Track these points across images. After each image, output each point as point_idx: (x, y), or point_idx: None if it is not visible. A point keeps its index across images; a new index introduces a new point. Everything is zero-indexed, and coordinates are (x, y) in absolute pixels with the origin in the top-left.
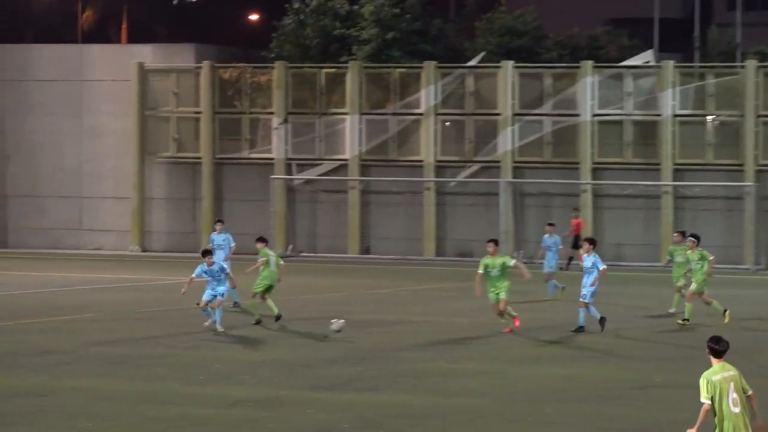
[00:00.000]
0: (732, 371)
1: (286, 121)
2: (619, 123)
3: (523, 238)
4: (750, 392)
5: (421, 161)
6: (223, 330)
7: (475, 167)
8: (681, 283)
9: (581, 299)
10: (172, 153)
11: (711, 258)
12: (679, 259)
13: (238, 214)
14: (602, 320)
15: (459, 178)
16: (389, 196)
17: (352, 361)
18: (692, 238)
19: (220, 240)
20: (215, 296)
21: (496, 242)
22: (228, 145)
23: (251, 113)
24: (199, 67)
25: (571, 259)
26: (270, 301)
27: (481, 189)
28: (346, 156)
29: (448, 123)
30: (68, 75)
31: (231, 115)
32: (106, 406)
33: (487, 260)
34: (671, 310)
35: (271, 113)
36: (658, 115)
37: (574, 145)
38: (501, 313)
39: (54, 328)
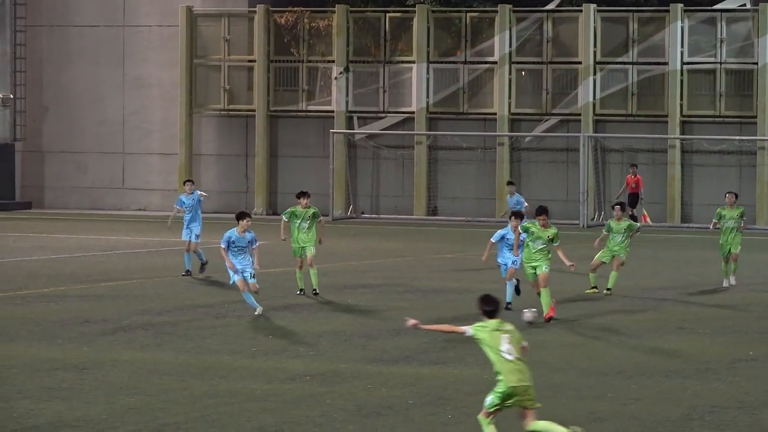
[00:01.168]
0: (510, 327)
1: (347, 70)
2: (712, 72)
3: (605, 197)
4: (525, 344)
5: (493, 114)
6: (260, 312)
7: (553, 121)
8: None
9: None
10: (222, 105)
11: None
12: (729, 223)
13: (294, 171)
14: (517, 289)
15: (535, 133)
16: (459, 152)
17: (417, 333)
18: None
19: (191, 202)
20: (245, 277)
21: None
22: (283, 97)
23: (309, 62)
24: (253, 12)
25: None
26: (300, 273)
27: (560, 144)
28: (412, 108)
29: (524, 72)
30: (111, 20)
31: (287, 64)
32: (151, 381)
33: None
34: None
35: (331, 62)
36: (755, 64)
37: (661, 97)
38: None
39: (95, 296)
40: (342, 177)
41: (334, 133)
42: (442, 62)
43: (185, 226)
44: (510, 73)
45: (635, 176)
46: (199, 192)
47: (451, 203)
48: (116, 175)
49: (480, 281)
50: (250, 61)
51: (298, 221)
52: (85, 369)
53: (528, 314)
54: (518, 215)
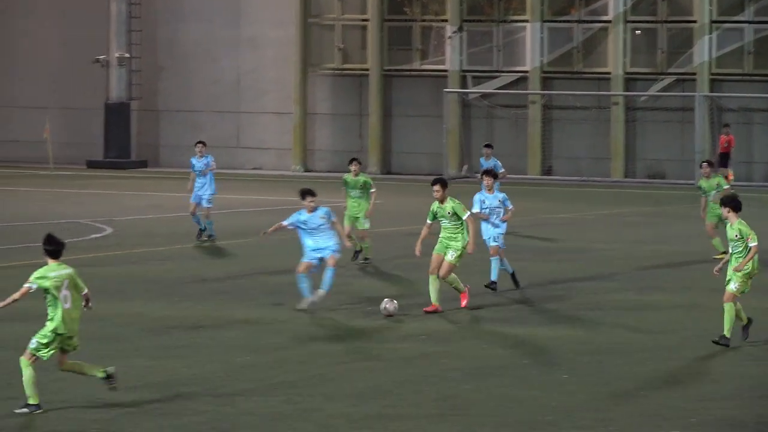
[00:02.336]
0: (68, 270)
1: (460, 29)
2: None
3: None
4: (85, 290)
5: (608, 73)
6: (315, 299)
7: (668, 80)
8: None
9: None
10: (336, 64)
11: None
12: None
13: (407, 131)
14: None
15: (650, 92)
16: (573, 111)
17: (530, 293)
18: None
19: (202, 165)
20: (322, 257)
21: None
22: (397, 56)
23: (423, 21)
24: None
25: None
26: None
27: (675, 104)
28: (526, 68)
29: (639, 31)
30: None
31: (401, 23)
32: (266, 339)
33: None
34: None
35: (445, 21)
36: None
37: None
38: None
39: (211, 254)
40: (455, 137)
41: (447, 92)
42: (556, 21)
43: (195, 191)
44: (624, 32)
45: (728, 135)
46: (212, 159)
47: (565, 163)
48: (231, 134)
49: (594, 241)
50: (363, 20)
51: (350, 189)
52: (200, 327)
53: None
54: (490, 173)
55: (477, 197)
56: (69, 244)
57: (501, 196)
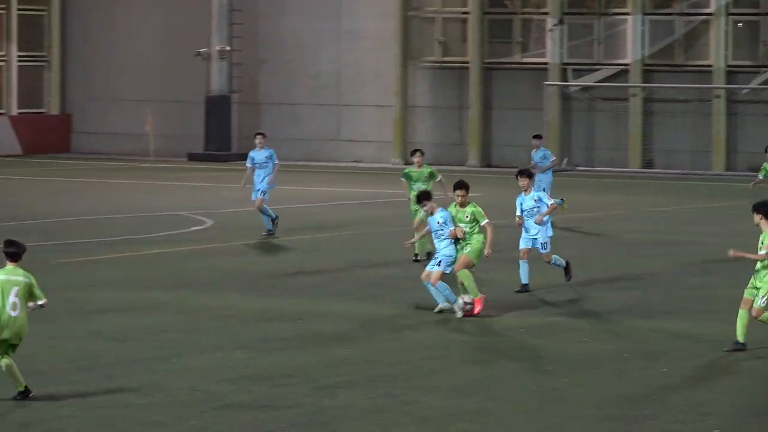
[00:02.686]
0: (20, 277)
1: (561, 22)
2: None
3: None
4: (43, 301)
5: (710, 66)
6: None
7: None
8: None
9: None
10: (437, 57)
11: None
12: None
13: (507, 123)
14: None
15: (752, 85)
16: (674, 104)
17: (631, 285)
18: None
19: (262, 158)
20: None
21: None
22: (498, 49)
23: (523, 13)
24: None
25: None
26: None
27: None
28: (627, 60)
29: (741, 24)
30: None
31: (501, 16)
32: (364, 332)
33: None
34: None
35: (545, 13)
36: None
37: None
38: None
39: (311, 247)
40: (556, 129)
41: (548, 85)
42: (657, 13)
43: (255, 184)
44: (726, 25)
45: None
46: (275, 154)
47: (666, 156)
48: (331, 126)
49: (695, 234)
50: (464, 12)
51: (413, 183)
52: (299, 320)
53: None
54: (525, 174)
55: (517, 200)
56: (169, 236)
57: (536, 195)
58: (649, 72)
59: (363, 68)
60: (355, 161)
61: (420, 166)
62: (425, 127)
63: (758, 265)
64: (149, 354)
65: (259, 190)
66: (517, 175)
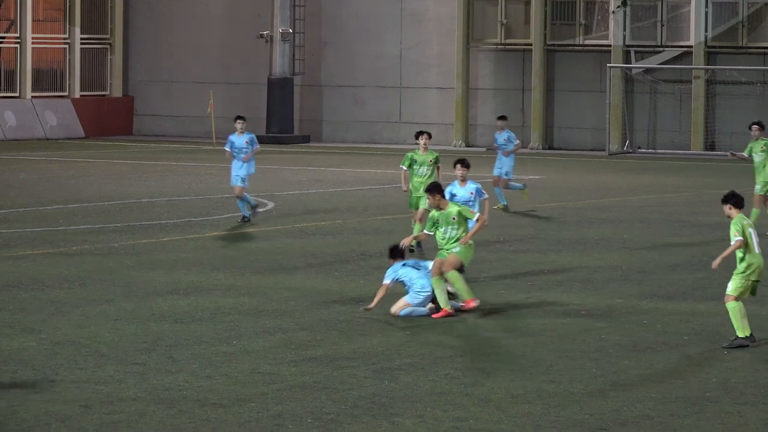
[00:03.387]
0: None
1: (625, 3)
2: None
3: None
4: None
5: None
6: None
7: None
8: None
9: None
10: (499, 39)
11: None
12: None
13: (570, 106)
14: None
15: None
16: (737, 86)
17: (694, 268)
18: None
19: (242, 143)
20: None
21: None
22: (560, 31)
23: None
24: None
25: None
26: (417, 226)
27: None
28: (690, 42)
29: None
30: None
31: None
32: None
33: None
34: None
35: None
36: None
37: None
38: None
39: (372, 229)
40: (619, 112)
41: (611, 67)
42: None
43: (234, 171)
44: None
45: None
46: (254, 137)
47: (729, 138)
48: (393, 109)
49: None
50: None
51: (418, 167)
52: (361, 302)
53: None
54: (466, 164)
55: (447, 189)
56: (230, 218)
57: (474, 187)
58: (712, 54)
59: (425, 50)
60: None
61: (426, 149)
62: (487, 109)
63: (739, 254)
64: (210, 336)
65: (238, 176)
66: (455, 164)
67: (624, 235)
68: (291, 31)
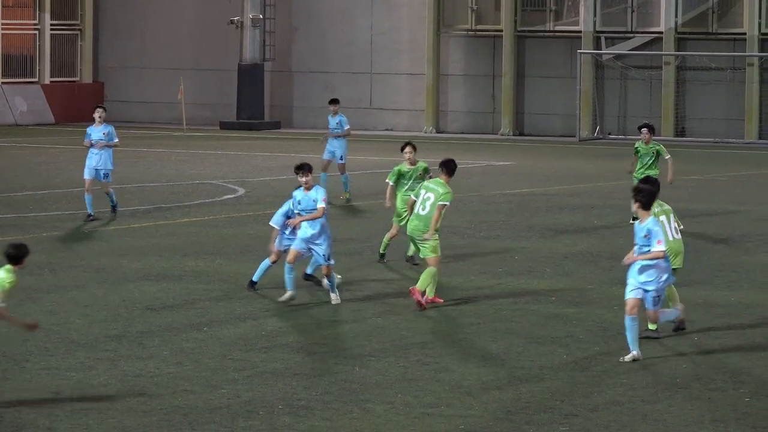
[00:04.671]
0: None
1: None
2: None
3: None
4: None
5: (743, 34)
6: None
7: None
8: None
9: None
10: (470, 25)
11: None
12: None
13: (540, 92)
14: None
15: None
16: (708, 72)
17: None
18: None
19: (100, 134)
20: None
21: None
22: (531, 17)
23: None
24: None
25: None
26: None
27: None
28: (661, 29)
29: None
30: None
31: None
32: (400, 301)
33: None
34: None
35: None
36: None
37: None
38: None
39: (346, 215)
40: (589, 98)
41: (581, 53)
42: None
43: (90, 164)
44: None
45: None
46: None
47: (699, 124)
48: (364, 95)
49: (726, 202)
50: None
51: (406, 181)
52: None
53: None
54: (308, 169)
55: (295, 196)
56: (202, 204)
57: (319, 194)
58: (682, 40)
59: (396, 36)
60: (387, 130)
61: (413, 162)
62: (458, 95)
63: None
64: (181, 322)
65: (101, 171)
66: (296, 170)
67: (594, 221)
68: (261, 17)
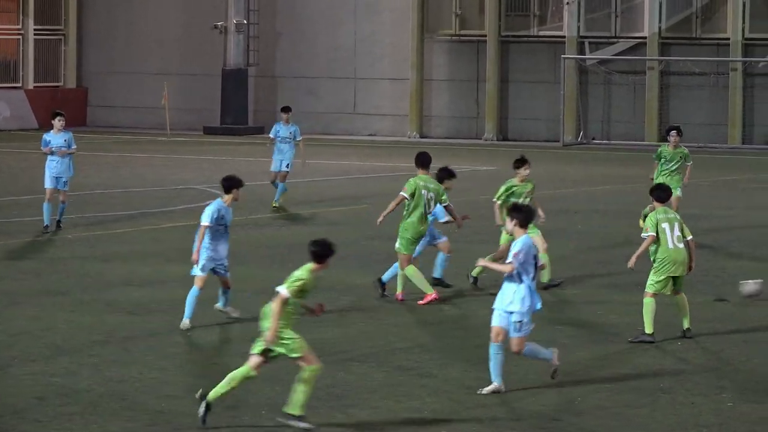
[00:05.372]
0: None
1: None
2: None
3: None
4: None
5: (727, 39)
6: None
7: None
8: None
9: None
10: (454, 30)
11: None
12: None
13: (524, 97)
14: None
15: None
16: (691, 77)
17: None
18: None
19: (61, 141)
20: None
21: None
22: (515, 22)
23: None
24: None
25: None
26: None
27: None
28: (644, 33)
29: None
30: None
31: None
32: (382, 307)
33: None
34: None
35: None
36: None
37: None
38: None
39: (327, 220)
40: (573, 103)
41: (565, 58)
42: None
43: (50, 172)
44: None
45: None
46: (71, 136)
47: (682, 129)
48: (348, 100)
49: (711, 207)
50: None
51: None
52: (315, 293)
53: (750, 286)
54: (238, 183)
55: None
56: (185, 209)
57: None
58: (666, 45)
59: (380, 41)
60: (371, 135)
61: (523, 179)
62: (442, 100)
63: (651, 249)
64: (165, 328)
65: (60, 179)
66: (227, 186)
67: (579, 226)
68: (246, 22)
